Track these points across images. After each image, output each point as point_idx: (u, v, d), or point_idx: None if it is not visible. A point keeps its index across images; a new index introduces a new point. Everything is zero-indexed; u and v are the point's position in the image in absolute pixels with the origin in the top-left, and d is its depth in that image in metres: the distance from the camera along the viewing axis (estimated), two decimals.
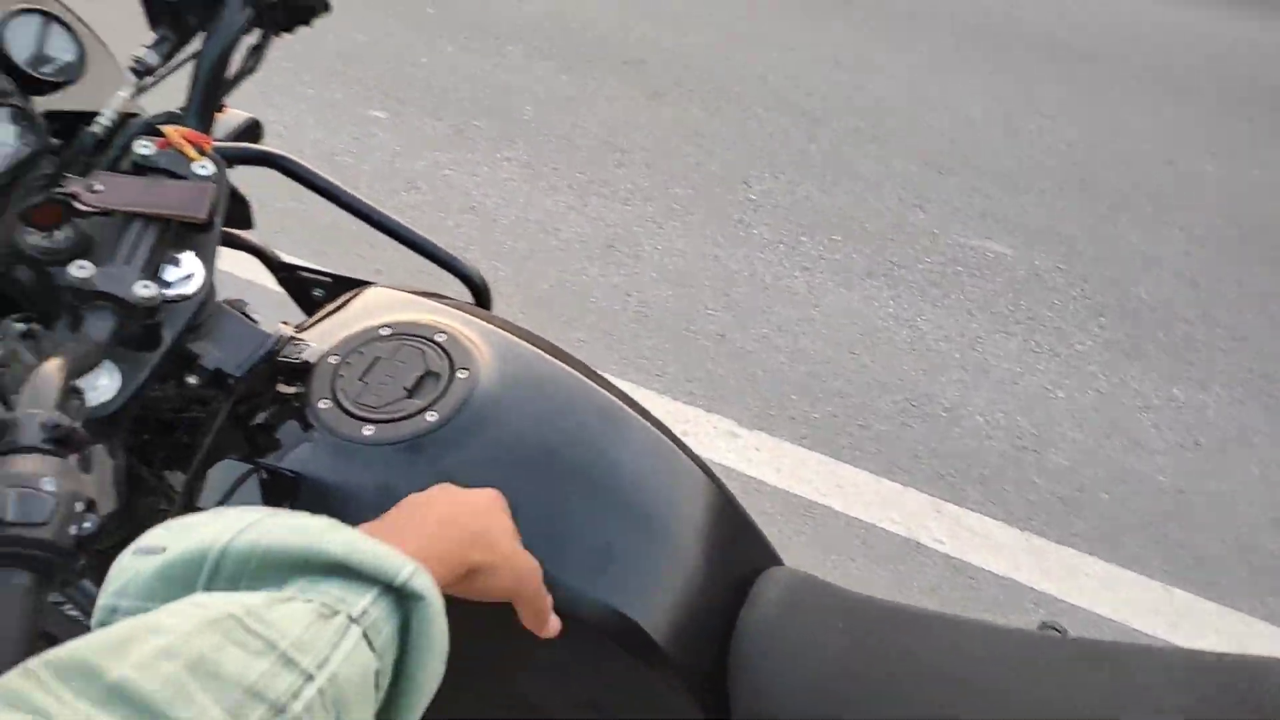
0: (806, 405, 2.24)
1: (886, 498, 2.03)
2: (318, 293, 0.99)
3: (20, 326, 0.64)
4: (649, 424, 0.77)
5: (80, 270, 0.62)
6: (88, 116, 0.79)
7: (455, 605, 0.65)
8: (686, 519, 0.75)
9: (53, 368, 0.55)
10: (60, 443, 0.51)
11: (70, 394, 0.58)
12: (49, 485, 0.47)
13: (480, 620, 0.68)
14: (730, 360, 2.33)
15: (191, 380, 0.74)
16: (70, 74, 0.78)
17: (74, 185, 0.66)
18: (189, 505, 0.70)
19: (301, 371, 0.72)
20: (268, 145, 0.94)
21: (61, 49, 0.77)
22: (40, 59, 0.76)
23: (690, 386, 2.25)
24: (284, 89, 3.21)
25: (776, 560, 0.83)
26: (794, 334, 2.43)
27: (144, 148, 0.69)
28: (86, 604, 0.68)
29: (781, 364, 2.34)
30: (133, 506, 0.86)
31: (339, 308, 0.82)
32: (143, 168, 0.70)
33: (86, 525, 0.49)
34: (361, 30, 3.61)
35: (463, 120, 3.15)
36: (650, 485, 0.74)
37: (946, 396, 2.29)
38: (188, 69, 0.76)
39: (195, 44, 0.75)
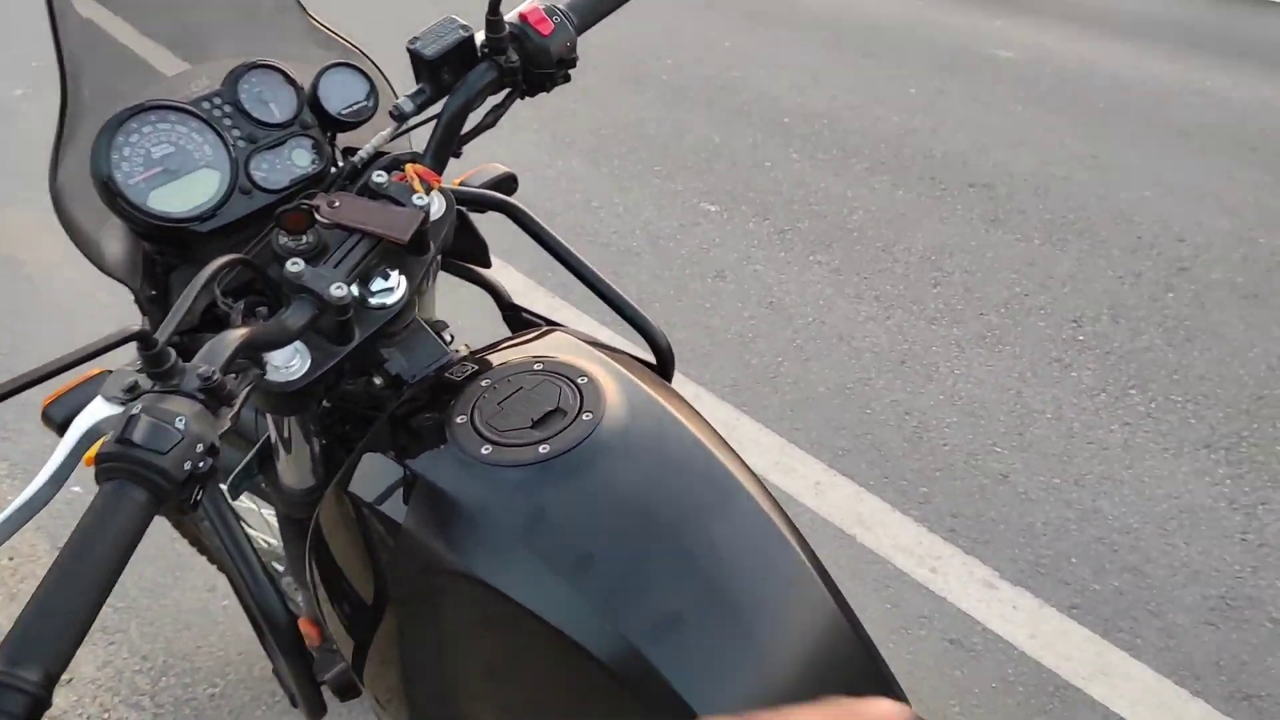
0: (1088, 573, 1.96)
1: (1166, 703, 1.70)
2: None
3: (251, 306, 0.78)
4: (771, 518, 0.74)
5: (294, 267, 0.74)
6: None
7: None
8: (778, 619, 0.70)
9: (235, 334, 0.66)
10: (209, 393, 0.61)
11: (246, 360, 0.69)
12: (180, 424, 0.57)
13: (522, 652, 0.68)
14: (1007, 505, 2.12)
15: (376, 380, 0.85)
16: (362, 115, 0.94)
17: (319, 200, 0.80)
18: (343, 484, 0.79)
19: (460, 388, 0.79)
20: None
21: (360, 96, 0.94)
22: (343, 103, 0.93)
23: (953, 523, 2.07)
24: (636, 176, 3.53)
25: (898, 698, 0.74)
26: (1094, 492, 2.15)
27: (379, 176, 0.82)
28: (222, 529, 0.78)
29: (1069, 521, 2.08)
30: (328, 481, 0.98)
31: (520, 341, 0.89)
32: (376, 194, 0.82)
33: (201, 465, 0.58)
34: (719, 133, 3.88)
35: (787, 223, 3.23)
36: (745, 573, 0.70)
37: (1279, 605, 1.88)
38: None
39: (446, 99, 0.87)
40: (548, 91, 0.89)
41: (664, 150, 3.73)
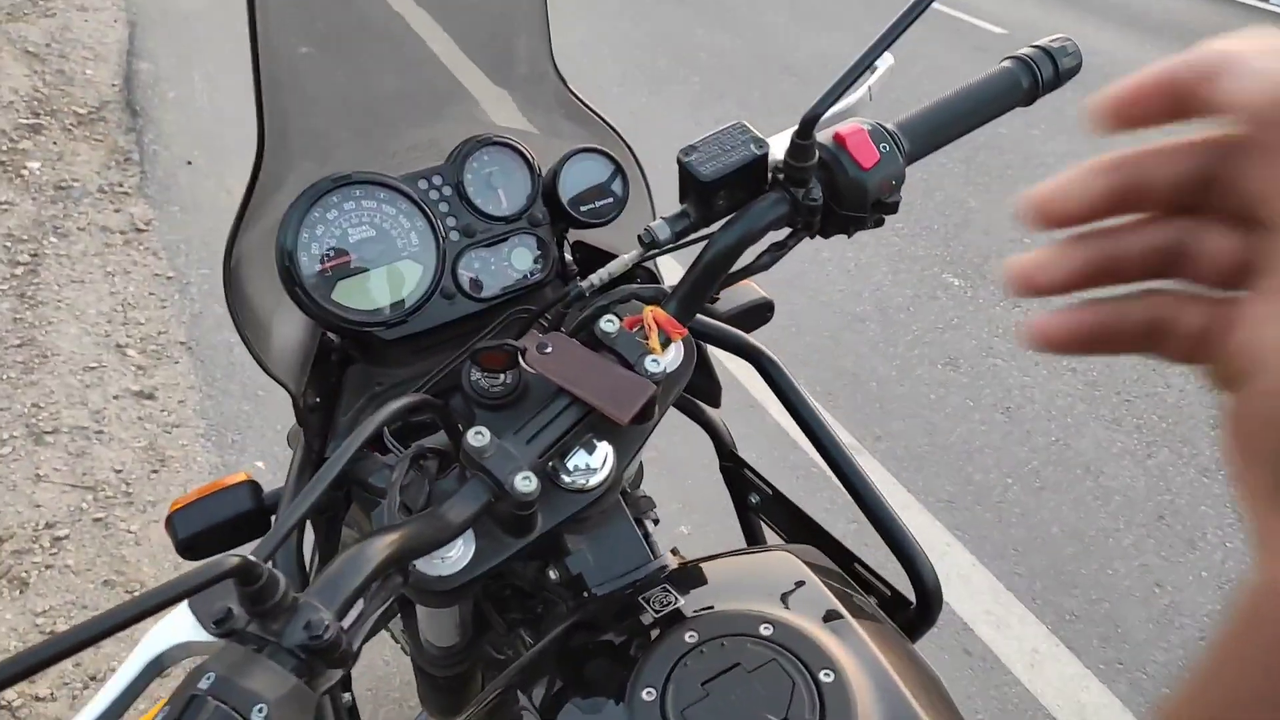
0: None
1: None
2: (754, 499, 0.86)
3: (424, 451, 0.61)
4: None
5: (477, 438, 0.56)
6: (604, 257, 0.77)
7: None
8: None
9: (375, 550, 0.48)
10: (315, 654, 0.43)
11: (389, 574, 0.51)
12: (259, 714, 0.40)
13: None
14: None
15: (552, 574, 0.66)
16: (604, 215, 0.76)
17: (528, 340, 0.62)
18: (502, 705, 0.61)
19: (655, 631, 0.59)
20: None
21: (607, 193, 0.76)
22: (582, 198, 0.75)
23: None
24: (873, 232, 3.23)
25: None
26: None
27: (609, 323, 0.63)
28: None
29: None
30: (476, 642, 0.81)
31: (745, 557, 0.68)
32: (600, 343, 0.63)
33: None
34: (975, 196, 3.51)
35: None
36: None
37: None
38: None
39: (716, 226, 0.67)
40: (848, 236, 0.67)
41: (908, 207, 3.40)
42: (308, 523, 0.73)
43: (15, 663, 0.37)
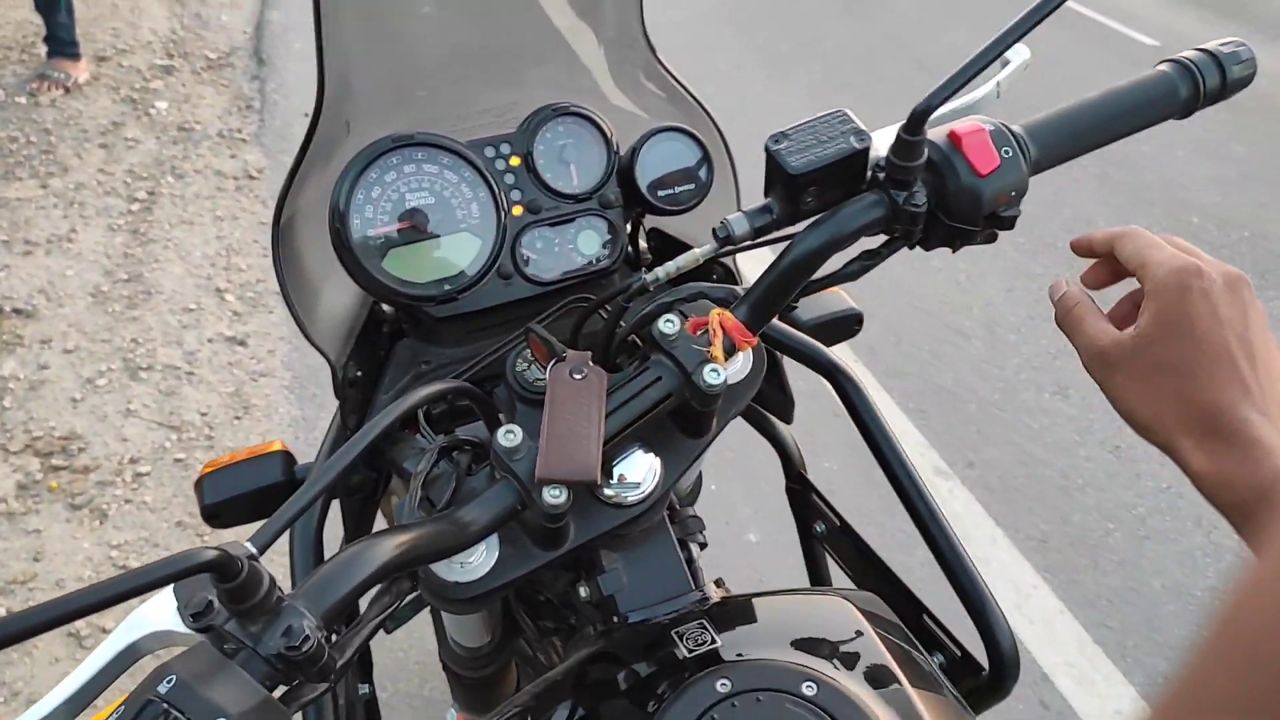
0: None
1: None
2: (819, 527, 0.79)
3: (458, 442, 0.56)
4: None
5: (508, 437, 0.51)
6: (681, 248, 0.70)
7: None
8: None
9: (380, 552, 0.43)
10: (293, 665, 0.39)
11: (397, 578, 0.47)
12: None
13: None
14: None
15: (582, 591, 0.60)
16: (681, 203, 0.69)
17: (573, 355, 0.55)
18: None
19: (686, 673, 0.53)
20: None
21: (689, 178, 0.69)
22: (662, 182, 0.68)
23: None
24: (995, 252, 3.06)
25: None
26: None
27: (668, 324, 0.56)
28: None
29: None
30: (507, 644, 0.77)
31: (799, 595, 0.60)
32: (657, 346, 0.56)
33: None
34: (1105, 215, 3.29)
35: None
36: None
37: None
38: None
39: (801, 225, 0.59)
40: (953, 250, 0.59)
41: (1033, 221, 3.21)
42: (335, 503, 0.69)
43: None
